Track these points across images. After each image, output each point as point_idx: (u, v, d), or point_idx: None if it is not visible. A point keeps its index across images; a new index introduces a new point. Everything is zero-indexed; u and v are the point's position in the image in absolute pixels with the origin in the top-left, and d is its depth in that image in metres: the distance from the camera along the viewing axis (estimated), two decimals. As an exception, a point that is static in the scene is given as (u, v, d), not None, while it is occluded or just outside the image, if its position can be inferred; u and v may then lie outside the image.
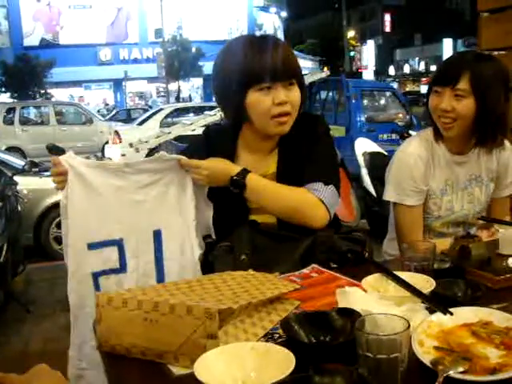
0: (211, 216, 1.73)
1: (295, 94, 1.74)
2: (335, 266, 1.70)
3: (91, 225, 1.67)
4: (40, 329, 4.15)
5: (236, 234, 1.73)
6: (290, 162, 1.81)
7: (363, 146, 6.06)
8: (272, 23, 41.48)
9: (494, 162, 2.16)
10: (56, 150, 4.33)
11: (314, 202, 1.71)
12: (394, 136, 8.82)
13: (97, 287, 1.66)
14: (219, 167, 1.70)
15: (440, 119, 2.00)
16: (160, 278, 1.67)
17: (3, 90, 28.25)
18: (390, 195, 2.12)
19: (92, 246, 1.67)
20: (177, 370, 1.11)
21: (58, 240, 5.98)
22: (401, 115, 10.38)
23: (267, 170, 1.82)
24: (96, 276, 1.67)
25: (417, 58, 50.03)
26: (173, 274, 1.66)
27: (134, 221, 1.67)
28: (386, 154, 5.88)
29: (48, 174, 6.02)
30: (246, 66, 1.69)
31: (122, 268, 1.67)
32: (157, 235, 1.67)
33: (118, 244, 1.66)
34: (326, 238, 1.73)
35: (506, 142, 2.17)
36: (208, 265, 1.71)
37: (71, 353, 1.72)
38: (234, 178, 1.69)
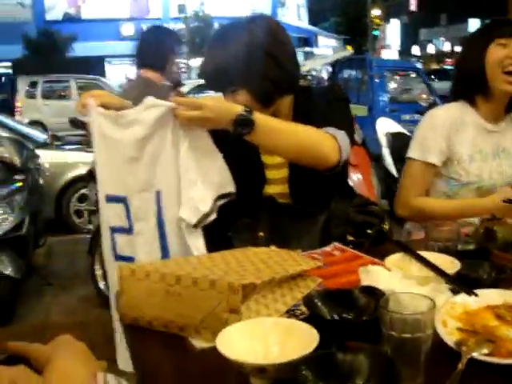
0: (223, 169, 1.59)
1: (240, 99, 1.68)
2: (352, 239, 1.69)
3: (106, 176, 1.67)
4: (60, 301, 4.22)
5: (254, 211, 1.72)
6: (303, 120, 1.70)
7: (385, 126, 5.99)
8: (295, 0, 41.02)
9: None
10: (78, 124, 4.32)
11: (328, 138, 1.63)
12: (416, 117, 8.71)
13: (113, 245, 1.68)
14: (223, 105, 1.56)
15: (505, 71, 1.97)
16: (163, 243, 1.62)
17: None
18: (413, 153, 2.10)
19: (108, 199, 1.68)
20: (198, 343, 1.11)
21: (79, 213, 6.04)
22: (424, 96, 10.22)
23: None
24: (112, 231, 1.68)
25: (442, 39, 49.27)
26: (175, 242, 1.60)
27: (133, 180, 1.62)
28: (408, 134, 5.80)
29: (70, 147, 6.07)
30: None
31: (129, 229, 1.65)
32: (157, 197, 1.60)
33: (124, 202, 1.64)
34: (342, 212, 1.72)
35: None
36: (227, 240, 1.69)
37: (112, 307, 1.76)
38: (241, 114, 1.52)
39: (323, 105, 1.77)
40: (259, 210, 1.74)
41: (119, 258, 1.69)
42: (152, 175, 1.59)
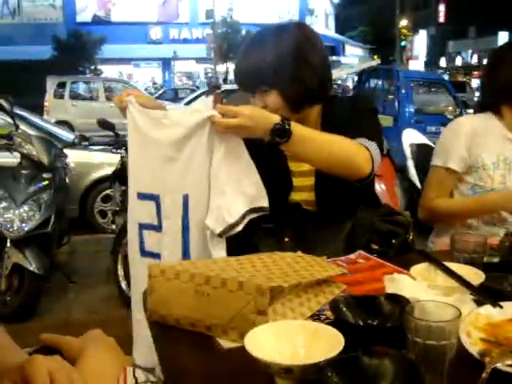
0: (257, 183, 1.61)
1: (270, 99, 1.72)
2: (377, 247, 1.70)
3: (140, 173, 1.71)
4: (82, 299, 4.27)
5: (278, 216, 1.73)
6: (332, 128, 1.72)
7: (411, 137, 5.97)
8: (324, 8, 41.04)
9: None
10: (106, 125, 4.37)
11: (361, 149, 1.65)
12: (442, 129, 8.66)
13: (141, 241, 1.71)
14: (260, 114, 1.58)
15: None
16: (185, 247, 1.66)
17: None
18: (436, 160, 2.15)
19: (140, 196, 1.71)
20: (225, 344, 1.13)
21: (103, 214, 6.10)
22: (451, 108, 10.17)
23: None
24: (141, 227, 1.71)
25: (470, 51, 48.86)
26: (196, 247, 1.64)
27: (167, 179, 1.65)
28: (433, 146, 5.77)
29: (96, 148, 6.14)
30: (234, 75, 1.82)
31: (159, 226, 1.68)
32: (185, 200, 1.63)
33: (156, 200, 1.67)
34: (367, 220, 1.74)
35: None
36: (252, 245, 1.71)
37: (133, 304, 1.80)
38: (279, 123, 1.55)
39: (352, 114, 1.78)
40: (285, 216, 1.76)
41: (147, 254, 1.72)
42: (184, 177, 1.62)
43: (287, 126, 1.55)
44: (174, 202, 1.65)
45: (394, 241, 1.74)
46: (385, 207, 1.90)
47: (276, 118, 1.56)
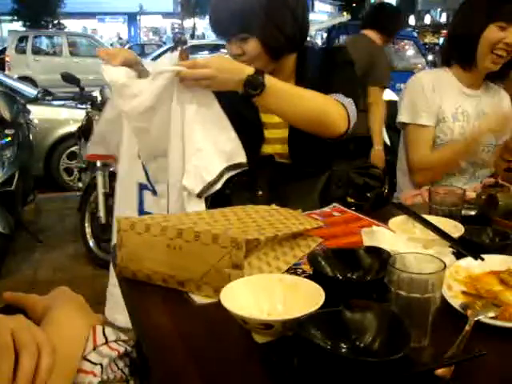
0: (233, 139, 1.56)
1: (249, 47, 1.64)
2: (352, 200, 1.67)
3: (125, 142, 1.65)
4: (49, 258, 4.21)
5: (252, 169, 1.68)
6: (307, 82, 1.68)
7: (380, 94, 5.94)
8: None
9: (496, 107, 2.20)
10: (71, 79, 4.23)
11: (337, 106, 1.61)
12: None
13: (141, 200, 1.65)
14: (231, 65, 1.54)
15: (494, 52, 2.03)
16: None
17: (15, 18, 27.86)
18: (404, 116, 2.16)
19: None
20: (198, 299, 1.09)
21: (69, 171, 5.98)
22: (420, 65, 10.16)
23: None
24: (141, 187, 1.66)
25: (439, 9, 48.83)
26: (175, 211, 1.56)
27: (145, 147, 1.61)
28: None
29: (61, 103, 5.97)
30: (209, 20, 1.68)
31: (153, 191, 1.64)
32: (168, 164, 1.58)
33: (143, 165, 1.63)
34: (343, 173, 1.70)
35: (503, 91, 2.28)
36: (225, 198, 1.65)
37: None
38: (252, 75, 1.50)
39: (327, 67, 1.72)
40: (258, 168, 1.70)
41: (145, 214, 1.66)
42: (162, 144, 1.55)
43: (261, 78, 1.50)
44: (161, 167, 1.58)
45: (368, 194, 1.71)
46: (360, 160, 1.86)
47: (249, 70, 1.50)
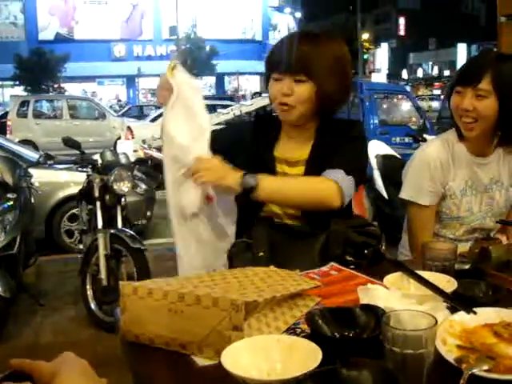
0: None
1: (301, 89, 1.74)
2: (351, 259, 1.71)
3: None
4: (51, 321, 4.17)
5: (253, 231, 1.74)
6: (322, 151, 1.80)
7: (376, 149, 6.03)
8: (286, 24, 41.43)
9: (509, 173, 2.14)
10: (72, 143, 4.32)
11: (329, 186, 1.69)
12: (407, 139, 8.80)
13: None
14: (224, 166, 1.66)
15: (461, 119, 1.98)
16: None
17: (17, 83, 28.41)
18: (405, 193, 2.12)
19: None
20: (200, 361, 1.11)
21: (70, 233, 6.01)
22: (414, 119, 10.34)
23: (301, 156, 1.84)
24: None
25: (430, 63, 49.84)
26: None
27: None
28: (398, 157, 5.86)
29: (62, 167, 6.05)
30: (269, 55, 1.82)
31: None
32: None
33: None
34: (341, 233, 1.74)
35: None
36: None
37: None
38: (246, 174, 1.63)
39: (342, 141, 1.80)
40: (259, 230, 1.75)
41: None
42: None
43: (253, 177, 1.63)
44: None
45: (366, 251, 1.74)
46: (356, 218, 1.91)
47: (241, 172, 1.64)
